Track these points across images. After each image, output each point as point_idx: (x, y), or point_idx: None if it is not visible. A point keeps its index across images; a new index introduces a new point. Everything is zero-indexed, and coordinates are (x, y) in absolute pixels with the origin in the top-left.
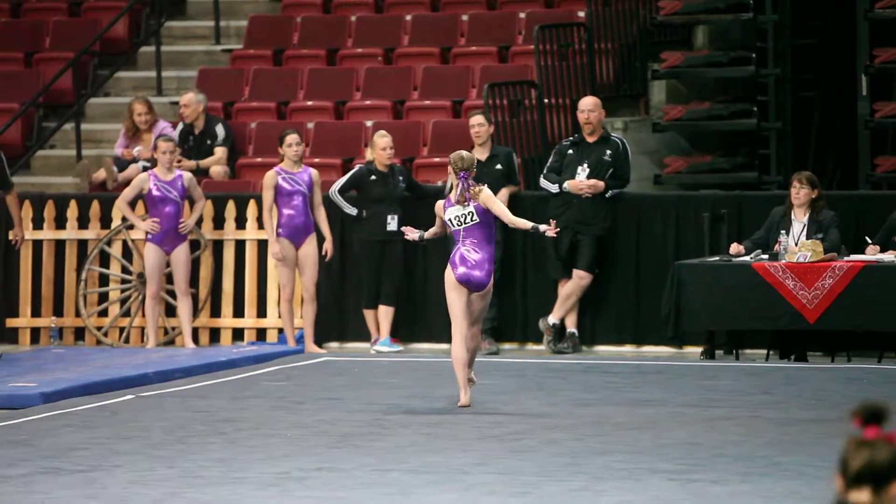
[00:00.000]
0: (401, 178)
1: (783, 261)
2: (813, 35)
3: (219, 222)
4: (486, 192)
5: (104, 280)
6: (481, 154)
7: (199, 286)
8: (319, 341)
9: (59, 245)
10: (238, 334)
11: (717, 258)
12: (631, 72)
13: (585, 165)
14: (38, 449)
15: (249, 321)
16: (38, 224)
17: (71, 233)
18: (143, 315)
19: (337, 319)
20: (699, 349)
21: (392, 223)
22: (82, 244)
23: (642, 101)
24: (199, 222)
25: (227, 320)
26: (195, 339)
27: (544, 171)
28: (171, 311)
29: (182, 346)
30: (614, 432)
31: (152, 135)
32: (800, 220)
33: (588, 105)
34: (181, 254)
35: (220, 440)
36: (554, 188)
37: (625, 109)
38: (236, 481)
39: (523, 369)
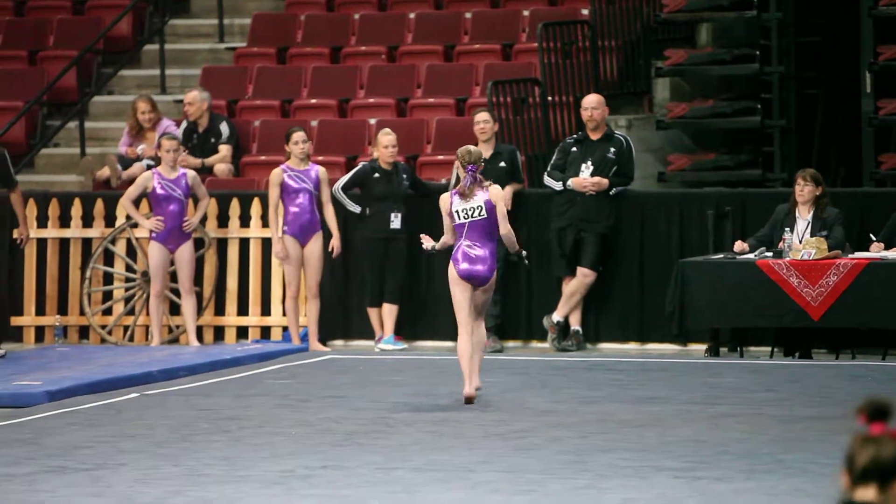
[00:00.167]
0: (404, 175)
1: (787, 258)
2: (817, 32)
3: (223, 220)
4: (496, 188)
5: (108, 278)
6: (485, 151)
7: (204, 284)
8: (324, 339)
9: (64, 243)
10: (242, 332)
11: (721, 256)
12: (634, 69)
13: (589, 163)
14: (42, 447)
15: (254, 319)
16: (42, 222)
17: (75, 231)
18: (148, 313)
19: (341, 317)
20: (703, 346)
21: (395, 221)
22: (86, 242)
23: (646, 98)
24: (203, 220)
25: (231, 318)
26: (199, 337)
27: (548, 169)
28: (175, 309)
29: (186, 344)
30: (619, 430)
31: (156, 133)
32: (804, 217)
33: (592, 102)
34: (185, 252)
35: (224, 438)
36: (558, 186)
37: (628, 107)
38: (240, 479)
39: (527, 367)
